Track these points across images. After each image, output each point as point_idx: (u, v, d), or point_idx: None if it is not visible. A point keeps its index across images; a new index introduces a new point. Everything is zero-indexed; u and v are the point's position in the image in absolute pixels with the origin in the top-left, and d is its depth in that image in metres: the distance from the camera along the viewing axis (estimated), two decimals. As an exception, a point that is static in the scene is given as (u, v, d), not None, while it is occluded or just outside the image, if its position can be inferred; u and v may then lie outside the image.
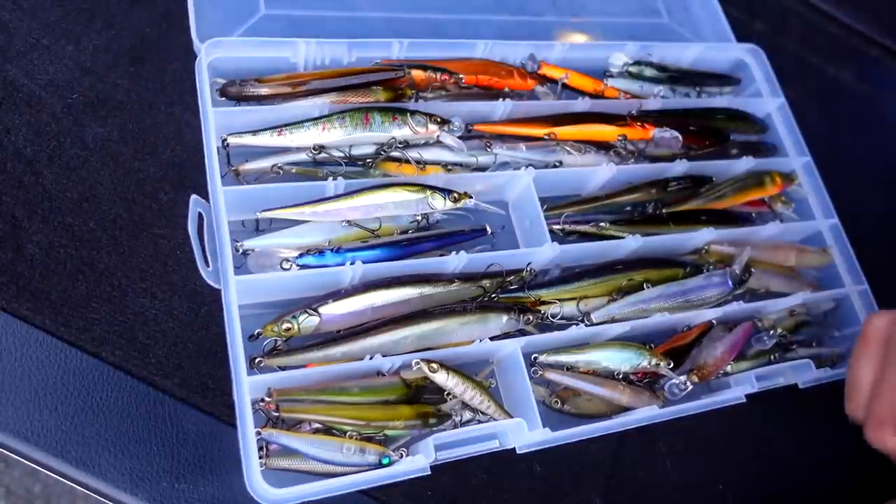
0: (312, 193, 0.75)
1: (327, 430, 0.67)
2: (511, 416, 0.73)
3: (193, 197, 0.72)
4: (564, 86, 0.93)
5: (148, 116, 0.80)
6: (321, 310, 0.70)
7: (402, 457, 0.67)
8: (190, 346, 0.72)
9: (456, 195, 0.77)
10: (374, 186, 0.76)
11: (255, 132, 0.77)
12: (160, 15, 0.85)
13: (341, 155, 0.79)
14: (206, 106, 0.73)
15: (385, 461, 0.66)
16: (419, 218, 0.79)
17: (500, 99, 0.86)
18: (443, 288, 0.75)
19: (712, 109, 0.99)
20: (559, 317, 0.80)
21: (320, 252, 0.73)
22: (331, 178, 0.76)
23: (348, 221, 0.76)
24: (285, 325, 0.69)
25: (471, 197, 0.78)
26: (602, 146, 0.91)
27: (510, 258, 0.79)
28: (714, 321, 0.85)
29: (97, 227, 0.74)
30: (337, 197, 0.75)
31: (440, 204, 0.77)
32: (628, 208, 0.91)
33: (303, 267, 0.72)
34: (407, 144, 0.81)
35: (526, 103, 0.88)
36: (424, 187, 0.77)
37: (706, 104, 1.00)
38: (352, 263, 0.72)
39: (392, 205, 0.76)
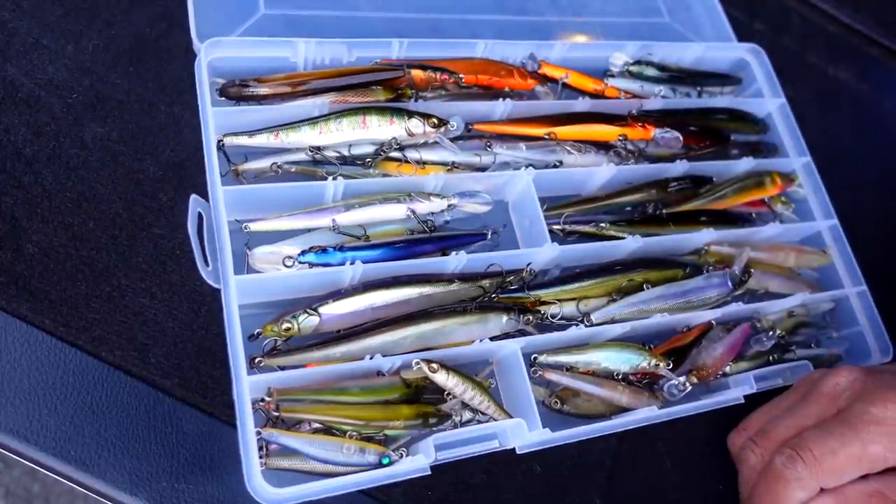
0: (311, 193, 0.75)
1: (327, 430, 0.67)
2: (511, 417, 0.73)
3: (193, 197, 0.72)
4: (565, 85, 0.93)
5: (148, 116, 0.80)
6: (321, 310, 0.70)
7: (402, 457, 0.67)
8: (190, 345, 0.72)
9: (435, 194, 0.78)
10: (363, 204, 0.76)
11: (251, 134, 0.77)
12: (160, 15, 0.85)
13: (340, 155, 0.79)
14: (205, 106, 0.73)
15: (385, 461, 0.66)
16: (415, 218, 0.79)
17: (500, 99, 0.86)
18: (443, 288, 0.75)
19: (713, 109, 0.99)
20: (559, 317, 0.80)
21: (323, 250, 0.73)
22: (330, 178, 0.76)
23: (344, 232, 0.76)
24: (285, 325, 0.69)
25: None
26: (602, 146, 0.90)
27: (510, 258, 0.79)
28: (713, 322, 0.85)
29: (97, 226, 0.74)
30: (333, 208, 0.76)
31: (431, 206, 0.77)
32: (628, 209, 0.91)
33: (304, 264, 0.72)
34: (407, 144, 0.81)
35: (526, 103, 0.88)
36: (406, 194, 0.77)
37: (707, 104, 1.00)
38: (352, 263, 0.72)
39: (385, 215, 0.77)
